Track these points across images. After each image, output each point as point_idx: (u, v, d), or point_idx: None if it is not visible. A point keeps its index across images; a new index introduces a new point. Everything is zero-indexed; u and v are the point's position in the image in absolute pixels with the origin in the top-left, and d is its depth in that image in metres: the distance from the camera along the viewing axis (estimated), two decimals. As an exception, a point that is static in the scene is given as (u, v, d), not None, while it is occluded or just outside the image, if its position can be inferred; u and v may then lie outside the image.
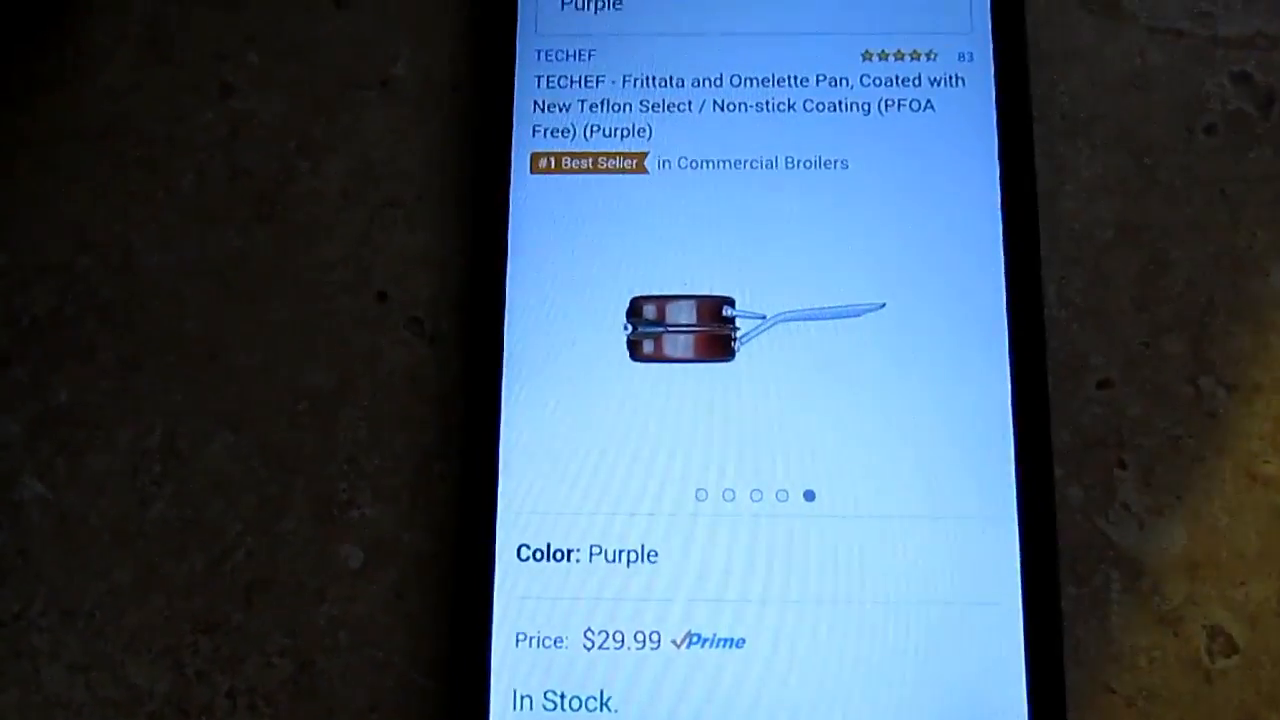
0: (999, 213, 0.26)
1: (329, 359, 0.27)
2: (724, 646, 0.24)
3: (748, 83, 0.27)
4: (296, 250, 0.28)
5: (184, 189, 0.28)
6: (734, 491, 0.25)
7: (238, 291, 0.27)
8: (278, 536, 0.26)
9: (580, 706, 0.24)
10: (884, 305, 0.26)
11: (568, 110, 0.27)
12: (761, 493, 0.25)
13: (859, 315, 0.25)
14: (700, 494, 0.25)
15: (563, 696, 0.24)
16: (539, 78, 0.27)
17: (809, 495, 0.25)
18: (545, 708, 0.24)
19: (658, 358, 0.25)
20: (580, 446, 0.25)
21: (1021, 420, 0.25)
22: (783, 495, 0.25)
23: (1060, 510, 0.25)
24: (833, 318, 0.25)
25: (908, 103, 0.27)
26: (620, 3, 0.27)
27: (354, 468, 0.27)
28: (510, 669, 0.24)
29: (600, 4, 0.27)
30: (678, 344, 0.25)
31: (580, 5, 0.27)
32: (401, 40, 0.29)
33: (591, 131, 0.27)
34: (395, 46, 0.29)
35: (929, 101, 0.27)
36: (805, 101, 0.27)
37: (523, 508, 0.25)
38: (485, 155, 0.26)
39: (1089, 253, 0.27)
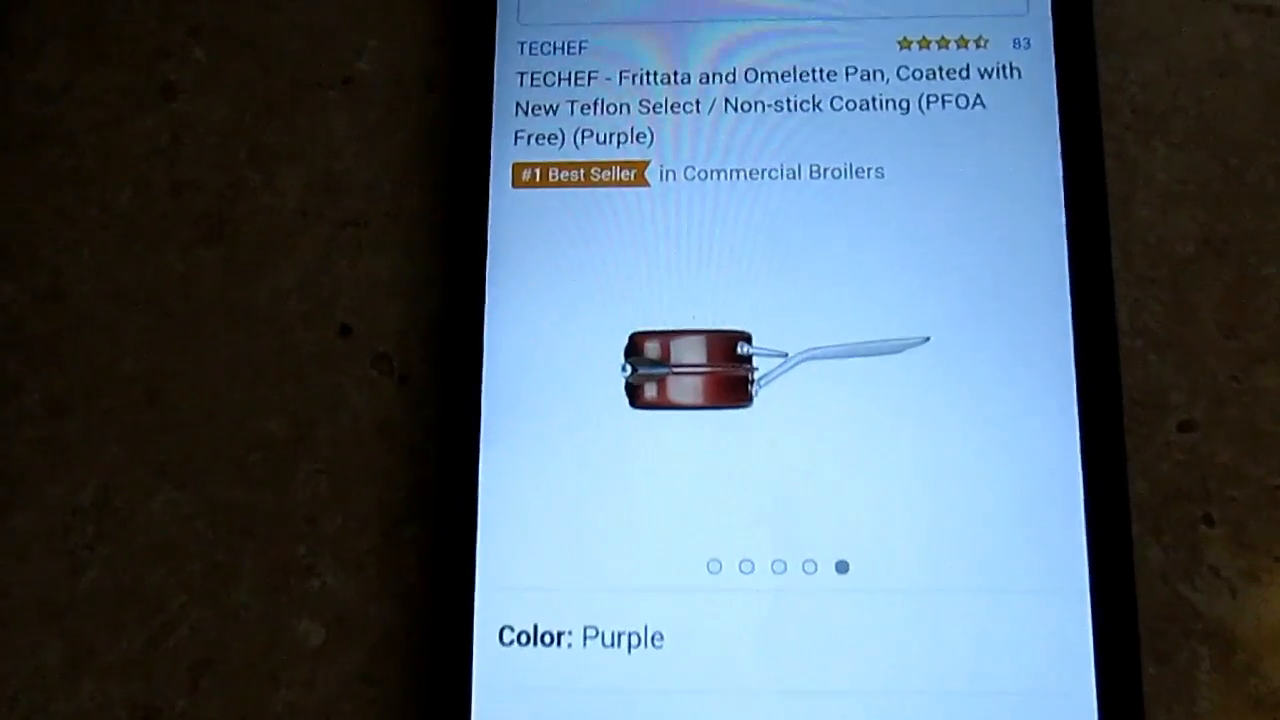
0: (1063, 226, 0.24)
1: (285, 403, 0.25)
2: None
3: (765, 77, 0.25)
4: (247, 276, 0.25)
5: (120, 205, 0.26)
6: (753, 562, 0.23)
7: (181, 324, 0.25)
8: (227, 609, 0.24)
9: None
10: (928, 339, 0.23)
11: (555, 112, 0.24)
12: (785, 563, 0.23)
13: (899, 351, 0.23)
14: (713, 565, 0.23)
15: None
16: (522, 75, 0.25)
17: (842, 566, 0.23)
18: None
19: (662, 404, 0.23)
20: (572, 508, 0.23)
21: (1092, 472, 0.23)
22: (810, 566, 0.23)
23: (1137, 576, 0.23)
24: (868, 355, 0.23)
25: (953, 98, 0.24)
26: (614, -13, 0.24)
27: (313, 529, 0.25)
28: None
29: (593, -12, 0.25)
30: (685, 388, 0.23)
31: (571, -12, 0.25)
32: (366, 31, 0.27)
33: (583, 137, 0.24)
34: (359, 38, 0.27)
35: (978, 96, 0.24)
36: (833, 99, 0.24)
37: (506, 581, 0.23)
38: (460, 166, 0.24)
39: (1167, 270, 0.25)
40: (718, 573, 0.23)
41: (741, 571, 0.23)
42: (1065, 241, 0.23)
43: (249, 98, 0.27)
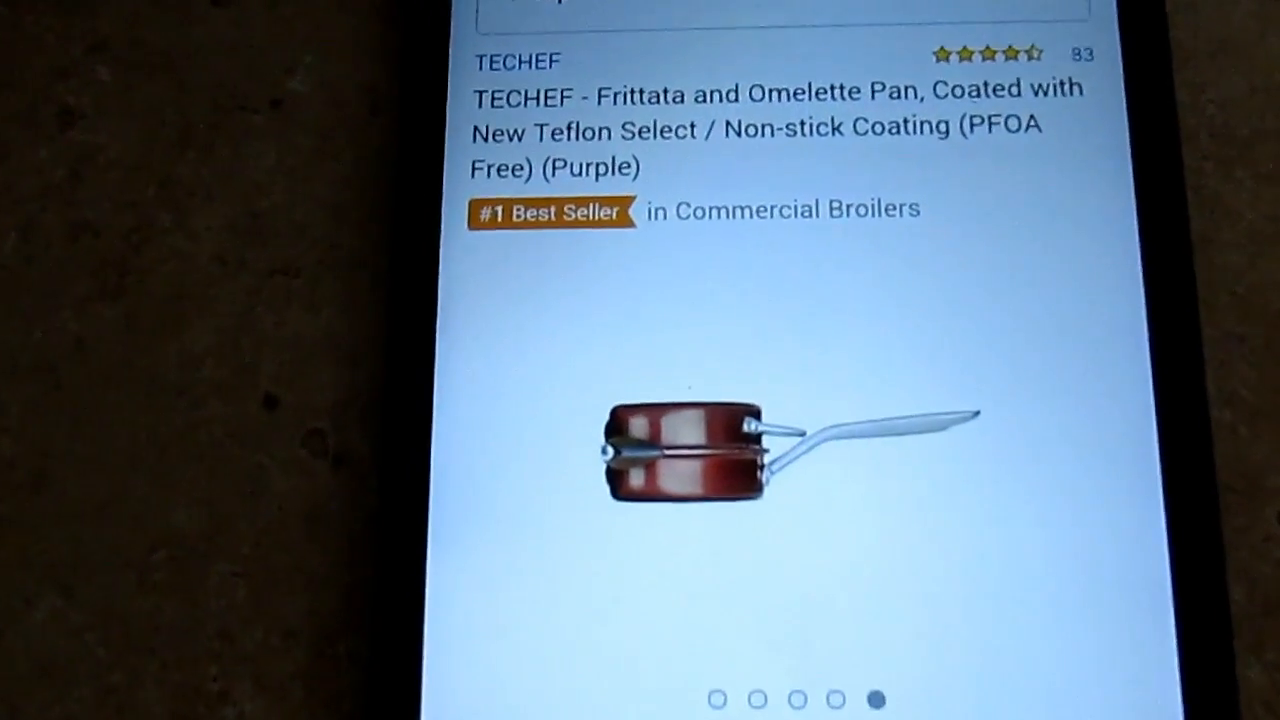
0: (1139, 275, 0.22)
1: (196, 490, 0.23)
2: None
3: (774, 96, 0.23)
4: (154, 337, 0.24)
5: (3, 253, 0.25)
6: (765, 694, 0.21)
7: (73, 395, 0.24)
8: (122, 745, 0.22)
9: None
10: (977, 414, 0.21)
11: (521, 138, 0.23)
12: (806, 696, 0.21)
13: (942, 429, 0.21)
14: (716, 698, 0.21)
15: None
16: (480, 94, 0.23)
17: (876, 699, 0.21)
18: None
19: (651, 494, 0.21)
20: (540, 624, 0.21)
21: (1183, 577, 0.21)
22: (838, 699, 0.21)
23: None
24: (903, 434, 0.21)
25: (1001, 120, 0.23)
26: (594, -15, 0.24)
27: (228, 646, 0.23)
28: None
29: (566, -13, 0.24)
30: (680, 474, 0.22)
31: (538, -12, 0.24)
32: (299, 46, 0.25)
33: (555, 168, 0.23)
34: (291, 54, 0.25)
35: (1031, 118, 0.23)
36: (857, 121, 0.23)
37: (458, 712, 0.21)
38: (406, 204, 0.23)
39: (1259, 327, 0.23)
40: (722, 707, 0.21)
41: (752, 706, 0.21)
42: (1142, 293, 0.22)
43: (160, 124, 0.25)
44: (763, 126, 0.23)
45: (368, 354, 0.24)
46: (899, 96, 0.23)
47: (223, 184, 0.25)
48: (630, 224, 0.23)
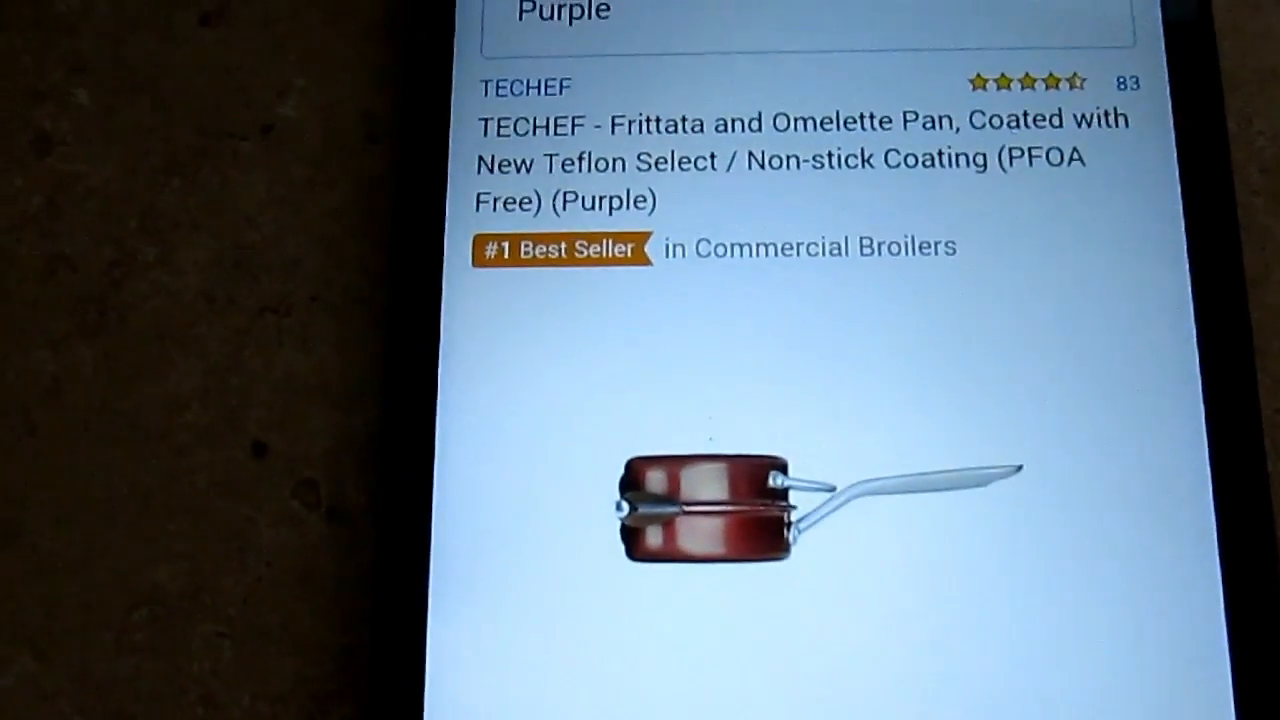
0: (1190, 317, 0.21)
1: (179, 545, 0.23)
2: None
3: (800, 125, 0.23)
4: (135, 379, 0.24)
5: None
6: None
7: (48, 440, 0.23)
8: (99, 818, 0.22)
9: None
10: (1020, 468, 0.21)
11: (529, 169, 0.22)
12: None
13: (983, 485, 0.21)
14: None
15: None
16: (486, 122, 0.23)
17: None
18: None
19: (670, 554, 0.21)
20: (549, 692, 0.20)
21: (1239, 645, 0.20)
22: None
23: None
24: (941, 489, 0.21)
25: (1042, 153, 0.22)
26: (607, 8, 0.23)
27: (213, 713, 0.22)
28: None
29: (578, 10, 0.23)
30: (701, 533, 0.21)
31: (549, 12, 0.23)
32: (292, 69, 0.25)
33: (565, 202, 0.22)
34: (283, 77, 0.25)
35: (1074, 150, 0.22)
36: (889, 153, 0.22)
37: None
38: (407, 239, 0.22)
39: None
40: (749, 787, 0.20)
41: (782, 786, 0.20)
42: (1194, 336, 0.21)
43: (143, 151, 0.25)
44: (788, 158, 0.22)
45: (364, 398, 0.23)
46: (933, 127, 0.22)
47: (209, 215, 0.24)
48: (646, 261, 0.22)
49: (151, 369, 0.23)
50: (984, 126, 0.22)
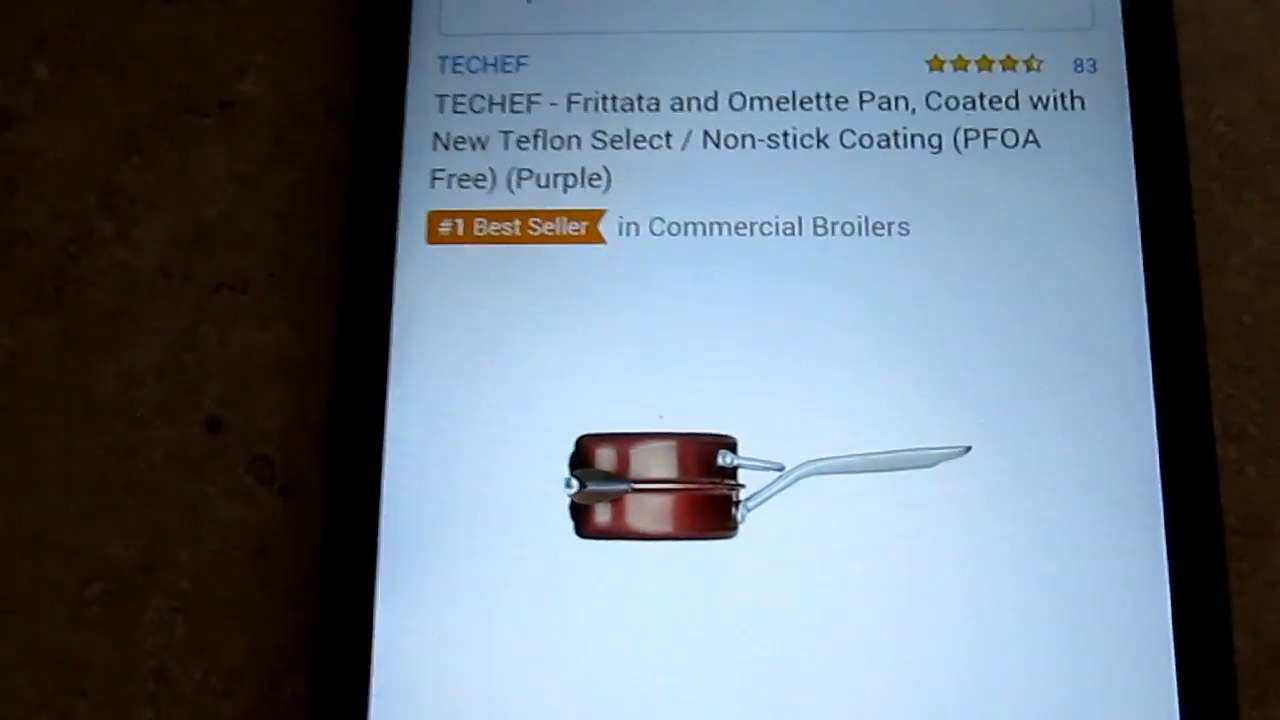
0: (1143, 301, 0.21)
1: (133, 519, 0.23)
2: None
3: (756, 104, 0.22)
4: (91, 354, 0.23)
5: None
6: None
7: (4, 414, 0.23)
8: (51, 791, 0.22)
9: None
10: (969, 449, 0.21)
11: (484, 147, 0.22)
12: None
13: (931, 465, 0.21)
14: None
15: None
16: (442, 98, 0.22)
17: None
18: None
19: (618, 532, 0.21)
20: (497, 669, 0.20)
21: (1185, 626, 0.20)
22: None
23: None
24: (890, 469, 0.21)
25: (998, 135, 0.22)
26: (565, -15, 0.23)
27: (165, 688, 0.22)
28: None
29: (535, -13, 0.23)
30: (650, 511, 0.21)
31: (505, -12, 0.23)
32: (252, 45, 0.25)
33: (520, 179, 0.22)
34: (243, 54, 0.25)
35: (1030, 133, 0.22)
36: (844, 133, 0.22)
37: None
38: (361, 215, 0.22)
39: (1269, 358, 0.23)
40: (696, 766, 0.20)
41: (729, 766, 0.19)
42: (1145, 322, 0.21)
43: (102, 127, 0.24)
44: (743, 137, 0.22)
45: (320, 375, 0.23)
46: (889, 107, 0.22)
47: (168, 191, 0.24)
48: (600, 240, 0.22)
49: (108, 344, 0.23)
50: (940, 108, 0.22)
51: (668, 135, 0.22)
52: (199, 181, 0.24)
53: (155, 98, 0.24)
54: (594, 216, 0.22)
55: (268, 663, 0.22)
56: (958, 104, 0.22)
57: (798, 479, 0.21)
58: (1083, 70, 0.22)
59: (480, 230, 0.22)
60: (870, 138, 0.22)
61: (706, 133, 0.22)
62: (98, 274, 0.24)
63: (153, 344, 0.23)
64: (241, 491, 0.23)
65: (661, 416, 0.21)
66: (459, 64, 0.22)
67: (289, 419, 0.23)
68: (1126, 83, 0.22)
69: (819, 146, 0.22)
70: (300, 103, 0.24)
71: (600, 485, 0.21)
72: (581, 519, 0.21)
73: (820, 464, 0.21)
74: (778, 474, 0.21)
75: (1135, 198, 0.21)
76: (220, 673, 0.22)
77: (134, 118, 0.24)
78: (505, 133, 0.22)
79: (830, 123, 0.22)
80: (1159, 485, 0.20)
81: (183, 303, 0.23)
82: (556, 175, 0.22)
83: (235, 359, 0.23)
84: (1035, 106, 0.22)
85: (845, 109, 0.22)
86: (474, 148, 0.22)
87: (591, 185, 0.22)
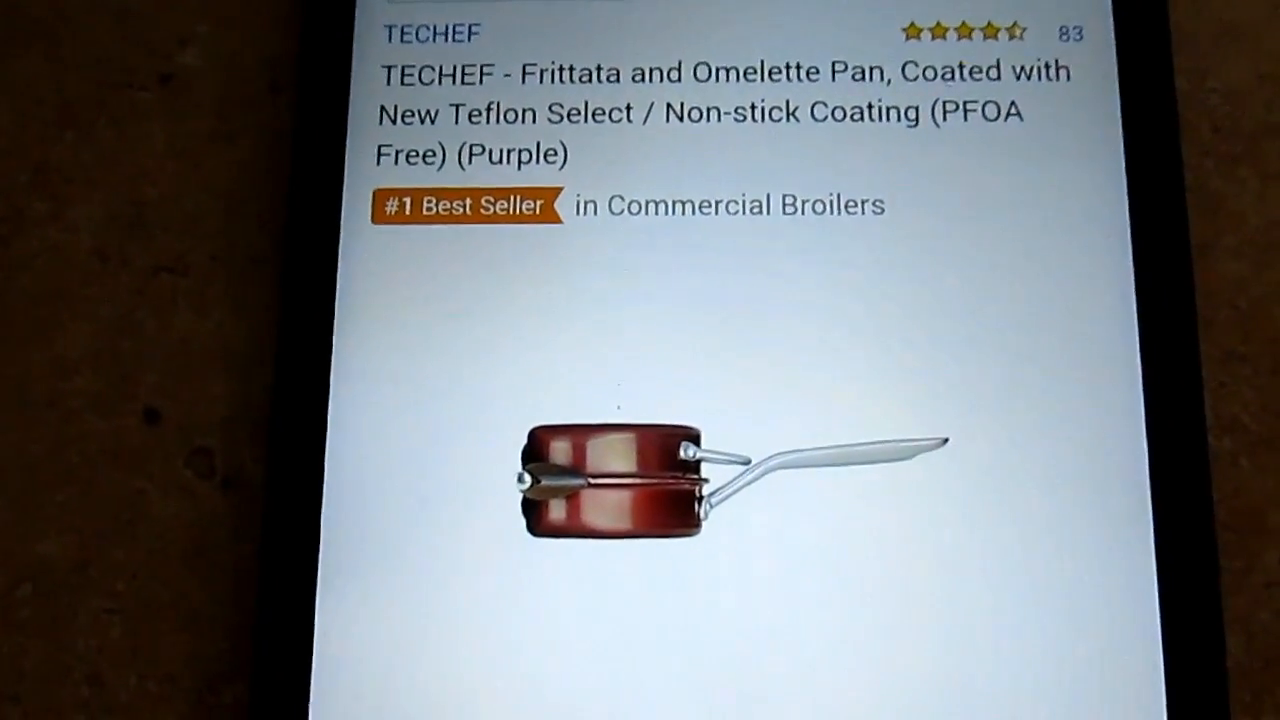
0: (1131, 284, 0.21)
1: (65, 516, 0.22)
2: None
3: (721, 75, 0.22)
4: (21, 342, 0.23)
5: None
6: None
7: None
8: (-24, 805, 0.21)
9: None
10: (946, 441, 0.20)
11: (434, 120, 0.22)
12: None
13: (907, 458, 0.20)
14: None
15: None
16: (389, 70, 0.22)
17: None
18: None
19: (573, 529, 0.20)
20: (444, 675, 0.20)
21: (1172, 625, 0.20)
22: None
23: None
24: (862, 463, 0.20)
25: (978, 107, 0.22)
26: (518, -51, 0.23)
27: (99, 693, 0.22)
28: None
29: (488, -49, 0.23)
30: (607, 507, 0.21)
31: (457, -47, 0.23)
32: (193, 13, 0.24)
33: (471, 155, 0.22)
34: (184, 23, 0.24)
35: (1012, 105, 0.22)
36: (815, 106, 0.22)
37: None
38: (304, 194, 0.22)
39: (1264, 344, 0.22)
40: (654, 774, 0.19)
41: (689, 773, 0.19)
42: (1134, 306, 0.21)
43: (35, 102, 0.24)
44: (708, 110, 0.22)
45: (263, 364, 0.22)
46: (863, 78, 0.22)
47: (104, 170, 0.24)
48: (556, 219, 0.21)
49: (40, 331, 0.23)
50: (917, 79, 0.22)
51: (628, 108, 0.22)
52: (137, 159, 0.24)
53: (91, 70, 0.24)
54: (550, 195, 0.21)
55: (207, 667, 0.21)
56: (936, 74, 0.22)
57: (765, 473, 0.20)
58: (1068, 38, 0.22)
59: (429, 209, 0.21)
60: (843, 110, 0.22)
61: (669, 105, 0.22)
62: (30, 256, 0.23)
63: (87, 331, 0.23)
64: (180, 486, 0.22)
65: (620, 407, 0.20)
66: (407, 33, 0.22)
67: (230, 409, 0.22)
68: (1115, 52, 0.22)
69: (789, 120, 0.22)
70: (244, 76, 0.24)
71: (554, 480, 0.20)
72: (534, 516, 0.20)
73: (788, 457, 0.20)
74: (743, 468, 0.20)
75: (1124, 174, 0.21)
76: (156, 678, 0.21)
77: (69, 91, 0.24)
78: (456, 106, 0.22)
79: (801, 94, 0.22)
80: (1147, 478, 0.20)
81: (119, 287, 0.23)
82: (510, 151, 0.22)
83: (174, 346, 0.23)
84: (1018, 77, 0.22)
85: (816, 80, 0.22)
86: (423, 121, 0.22)
87: (547, 161, 0.21)
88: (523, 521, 0.20)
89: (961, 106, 0.21)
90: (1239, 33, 0.23)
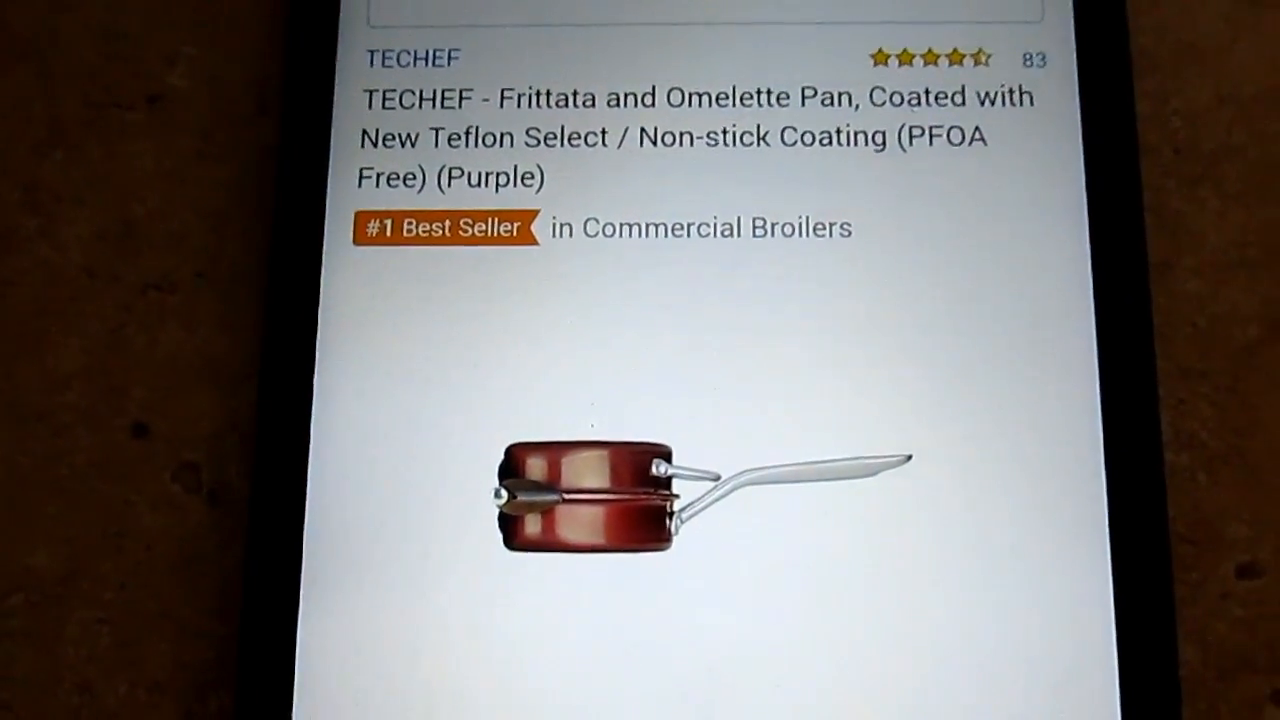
0: (1090, 304, 0.21)
1: (55, 528, 0.22)
2: None
3: (694, 100, 0.22)
4: (13, 357, 0.23)
5: None
6: None
7: None
8: (-32, 813, 0.21)
9: None
10: (909, 458, 0.20)
11: (414, 144, 0.22)
12: None
13: (871, 475, 0.20)
14: None
15: None
16: (371, 94, 0.22)
17: None
18: None
19: (548, 544, 0.20)
20: (423, 686, 0.20)
21: (1128, 637, 0.20)
22: None
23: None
24: (828, 479, 0.20)
25: (944, 132, 0.22)
26: (497, -23, 0.23)
27: (89, 701, 0.22)
28: None
29: (468, -22, 0.23)
30: (581, 522, 0.21)
31: (437, -19, 0.23)
32: (181, 36, 0.24)
33: (450, 178, 0.22)
34: (171, 45, 0.24)
35: (977, 130, 0.22)
36: (784, 130, 0.22)
37: None
38: (288, 215, 0.22)
39: (1222, 361, 0.22)
40: (626, 784, 0.19)
41: (659, 783, 0.19)
42: (1093, 324, 0.21)
43: (25, 121, 0.24)
44: (681, 134, 0.22)
45: (249, 379, 0.22)
46: (832, 104, 0.22)
47: (93, 188, 0.24)
48: (532, 241, 0.21)
49: (30, 347, 0.23)
50: (884, 104, 0.22)
51: (603, 132, 0.22)
52: (126, 178, 0.24)
53: (80, 90, 0.24)
54: (526, 217, 0.21)
55: (194, 675, 0.21)
56: (902, 100, 0.22)
57: (734, 489, 0.20)
58: (1032, 65, 0.22)
59: (409, 231, 0.21)
60: (812, 135, 0.22)
61: (643, 130, 0.22)
62: (20, 273, 0.23)
63: (77, 346, 0.23)
64: (167, 499, 0.22)
65: (593, 425, 0.21)
66: (389, 57, 0.22)
67: (217, 424, 0.22)
68: (1077, 78, 0.22)
69: (759, 144, 0.22)
70: (231, 96, 0.24)
71: (530, 495, 0.20)
72: (511, 530, 0.20)
73: (757, 474, 0.20)
74: (713, 484, 0.20)
75: (1084, 197, 0.21)
76: (145, 686, 0.21)
77: (58, 111, 0.24)
78: (435, 129, 0.22)
79: (771, 119, 0.22)
80: (1104, 493, 0.20)
81: (108, 303, 0.23)
82: (488, 174, 0.22)
83: (162, 362, 0.23)
84: (983, 102, 0.22)
85: (786, 105, 0.22)
86: (403, 145, 0.22)
87: (524, 184, 0.21)
88: (499, 536, 0.20)
89: (927, 131, 0.22)
90: (1200, 56, 0.23)
